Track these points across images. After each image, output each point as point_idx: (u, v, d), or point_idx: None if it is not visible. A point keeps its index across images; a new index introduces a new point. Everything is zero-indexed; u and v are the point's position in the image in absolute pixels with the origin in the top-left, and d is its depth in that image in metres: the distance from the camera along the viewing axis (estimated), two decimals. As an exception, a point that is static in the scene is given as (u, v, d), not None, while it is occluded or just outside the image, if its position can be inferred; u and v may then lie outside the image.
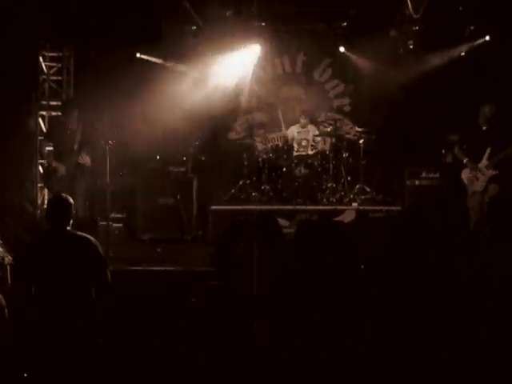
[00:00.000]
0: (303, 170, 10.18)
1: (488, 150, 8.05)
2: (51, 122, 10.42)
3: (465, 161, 8.25)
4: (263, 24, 10.98)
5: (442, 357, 3.68)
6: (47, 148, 8.71)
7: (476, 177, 8.15)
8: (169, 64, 10.86)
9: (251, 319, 4.19)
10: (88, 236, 4.63)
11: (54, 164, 8.30)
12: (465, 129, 8.52)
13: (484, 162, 8.09)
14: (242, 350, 3.81)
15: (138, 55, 10.64)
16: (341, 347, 3.85)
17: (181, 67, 11.00)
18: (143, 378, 4.18)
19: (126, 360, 4.30)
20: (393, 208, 9.76)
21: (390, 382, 3.42)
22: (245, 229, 5.82)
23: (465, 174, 8.28)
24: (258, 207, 9.68)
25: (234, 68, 11.08)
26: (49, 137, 8.79)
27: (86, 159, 8.28)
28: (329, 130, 10.92)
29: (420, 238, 5.51)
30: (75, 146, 8.28)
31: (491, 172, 8.05)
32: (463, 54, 10.79)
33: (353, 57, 11.13)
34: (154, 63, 10.82)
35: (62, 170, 8.25)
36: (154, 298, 5.65)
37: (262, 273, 4.81)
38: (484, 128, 8.17)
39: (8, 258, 5.08)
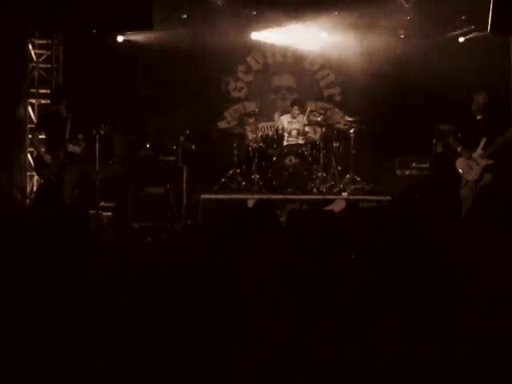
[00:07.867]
0: (293, 160, 10.15)
1: (483, 140, 8.03)
2: (41, 110, 10.37)
3: (459, 149, 8.20)
4: (254, 13, 10.94)
5: (434, 346, 3.70)
6: (39, 136, 8.66)
7: (470, 166, 8.11)
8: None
9: (250, 307, 4.18)
10: None
11: (42, 153, 8.26)
12: (459, 118, 8.49)
13: (479, 151, 8.06)
14: (240, 339, 3.81)
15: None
16: (332, 335, 3.86)
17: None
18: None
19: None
20: (383, 198, 9.77)
21: (381, 372, 3.44)
22: (240, 217, 5.80)
23: (459, 163, 8.22)
24: (249, 196, 9.67)
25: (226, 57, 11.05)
26: (40, 125, 8.72)
27: (75, 147, 8.25)
28: (319, 119, 10.89)
29: (410, 228, 5.52)
30: (66, 134, 8.23)
31: (486, 161, 8.04)
32: (462, 40, 10.74)
33: (344, 46, 11.08)
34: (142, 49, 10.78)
35: (48, 158, 8.21)
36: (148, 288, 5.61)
37: (260, 262, 4.81)
38: (478, 117, 8.14)
39: None
